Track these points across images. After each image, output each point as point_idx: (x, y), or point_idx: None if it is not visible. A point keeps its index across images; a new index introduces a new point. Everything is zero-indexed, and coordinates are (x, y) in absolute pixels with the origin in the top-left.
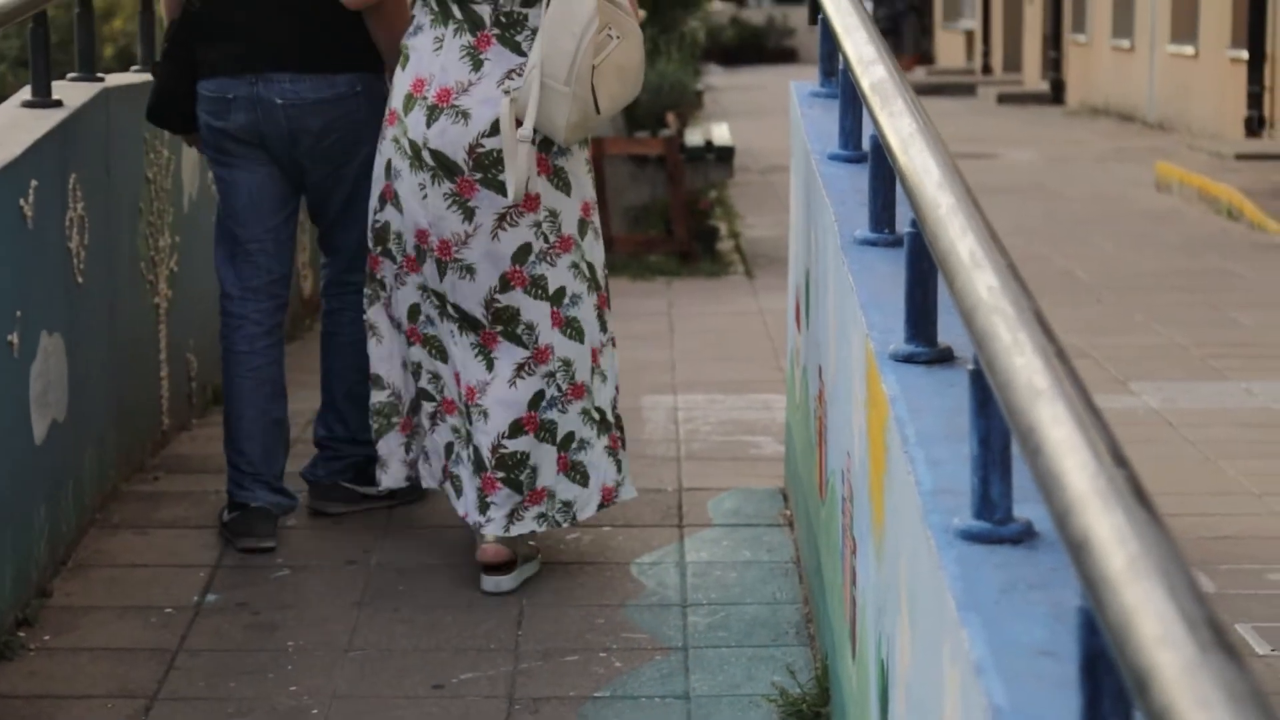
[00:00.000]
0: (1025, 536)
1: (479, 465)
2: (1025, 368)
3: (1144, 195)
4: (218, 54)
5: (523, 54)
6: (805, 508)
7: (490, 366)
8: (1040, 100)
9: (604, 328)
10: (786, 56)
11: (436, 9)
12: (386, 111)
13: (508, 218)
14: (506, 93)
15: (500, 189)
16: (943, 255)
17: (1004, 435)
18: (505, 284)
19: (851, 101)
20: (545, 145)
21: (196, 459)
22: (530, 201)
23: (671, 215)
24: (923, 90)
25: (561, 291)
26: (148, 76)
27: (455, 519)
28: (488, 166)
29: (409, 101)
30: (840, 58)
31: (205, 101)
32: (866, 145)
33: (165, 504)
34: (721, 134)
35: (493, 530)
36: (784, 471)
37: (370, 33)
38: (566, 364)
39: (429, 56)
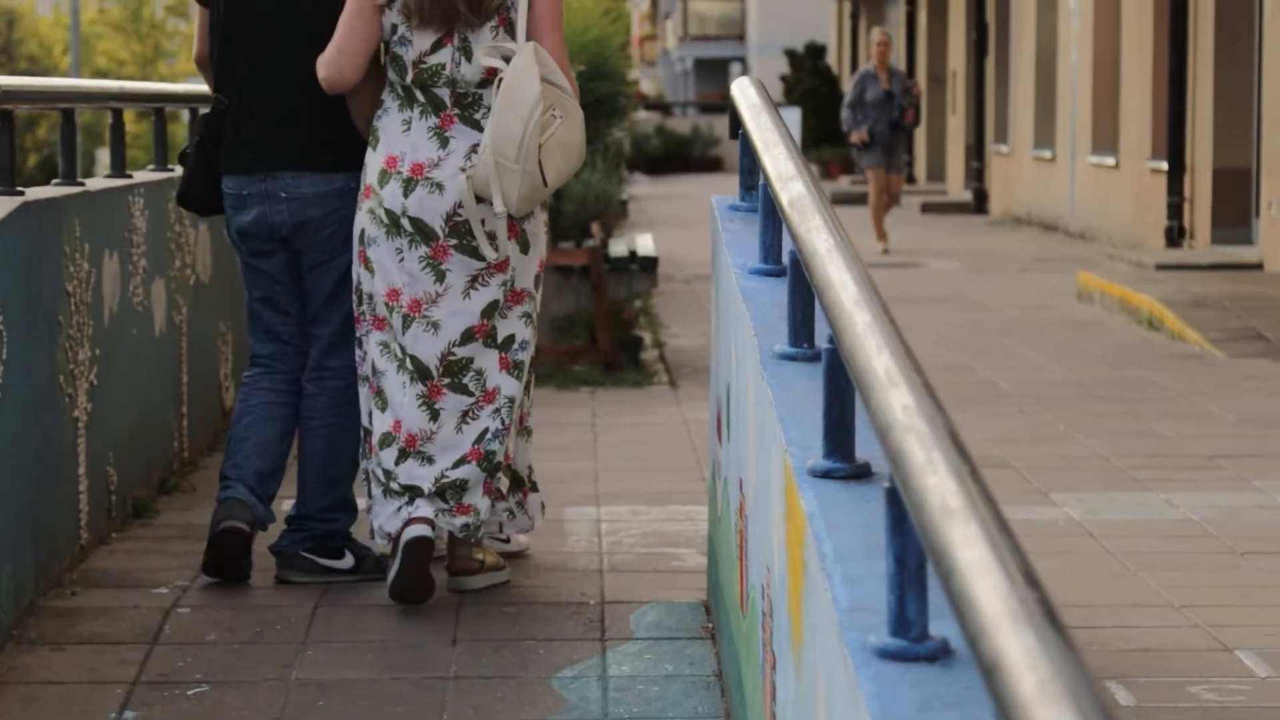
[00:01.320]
0: (941, 654)
1: (410, 493)
2: (938, 487)
3: (1066, 305)
4: (236, 154)
5: (482, 129)
6: (727, 621)
7: (435, 417)
8: (964, 210)
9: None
10: (712, 165)
11: (401, 93)
12: (361, 187)
13: (479, 279)
14: (462, 169)
15: (474, 254)
16: (859, 372)
17: (919, 553)
18: (468, 337)
19: (771, 216)
20: None
21: (115, 573)
22: (502, 263)
23: (596, 325)
24: (848, 199)
25: (511, 339)
26: (68, 190)
27: (376, 634)
28: (464, 234)
29: (384, 176)
30: (760, 173)
31: (227, 197)
32: (786, 260)
33: (83, 619)
34: (645, 244)
35: (422, 510)
36: (706, 584)
37: (351, 113)
38: (510, 401)
39: (399, 136)
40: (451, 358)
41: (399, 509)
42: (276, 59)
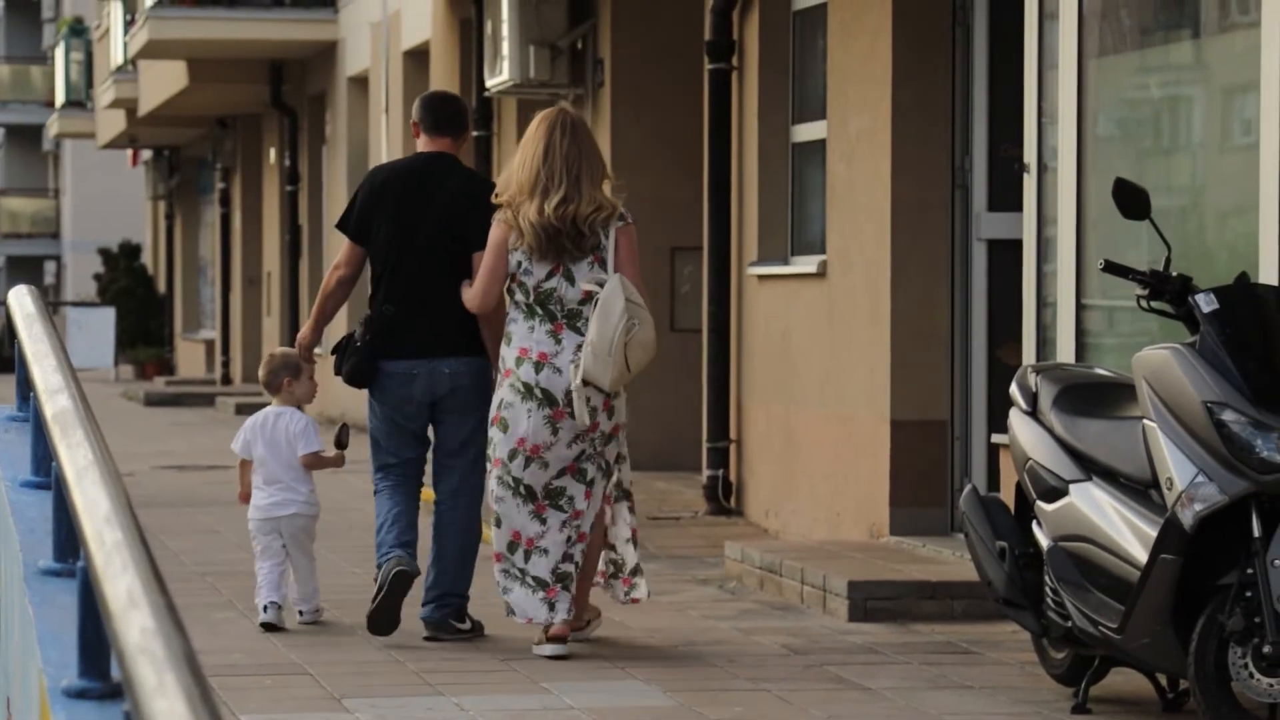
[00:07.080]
0: None
1: (540, 584)
2: (168, 712)
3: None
4: (407, 344)
5: (581, 334)
6: None
7: (543, 524)
8: None
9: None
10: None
11: (525, 309)
12: (501, 370)
13: (580, 436)
14: (572, 361)
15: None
16: (102, 592)
17: None
18: (561, 473)
19: (42, 427)
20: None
21: None
22: (593, 425)
23: None
24: (162, 400)
25: (593, 480)
26: None
27: None
28: (572, 404)
29: (519, 361)
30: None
31: (395, 375)
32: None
33: None
34: None
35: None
36: None
37: (480, 323)
38: (580, 515)
39: (527, 336)
40: (551, 486)
41: (541, 599)
42: (429, 280)
